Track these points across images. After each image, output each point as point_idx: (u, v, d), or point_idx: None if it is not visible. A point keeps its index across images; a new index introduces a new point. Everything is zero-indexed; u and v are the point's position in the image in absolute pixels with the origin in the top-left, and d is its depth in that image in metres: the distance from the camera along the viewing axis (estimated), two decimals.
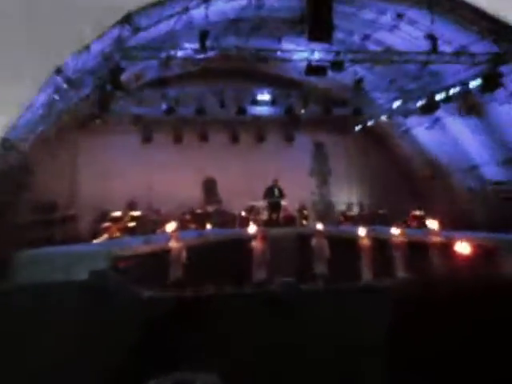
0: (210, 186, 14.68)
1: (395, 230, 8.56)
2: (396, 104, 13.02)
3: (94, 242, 10.97)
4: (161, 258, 7.72)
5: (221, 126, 14.58)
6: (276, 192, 11.68)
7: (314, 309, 3.99)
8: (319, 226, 9.36)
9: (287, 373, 3.43)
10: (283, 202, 12.02)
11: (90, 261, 6.11)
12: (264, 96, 13.62)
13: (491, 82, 9.66)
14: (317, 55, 10.13)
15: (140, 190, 13.42)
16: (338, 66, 9.86)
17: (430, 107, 11.62)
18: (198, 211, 13.79)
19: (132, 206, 13.47)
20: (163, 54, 9.89)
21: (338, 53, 10.02)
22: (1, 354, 3.45)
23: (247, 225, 10.38)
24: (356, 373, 3.21)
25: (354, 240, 8.75)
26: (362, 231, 8.79)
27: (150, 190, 13.37)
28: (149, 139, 14.47)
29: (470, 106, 11.15)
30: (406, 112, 13.11)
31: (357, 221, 13.58)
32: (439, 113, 12.05)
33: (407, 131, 14.45)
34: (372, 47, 11.41)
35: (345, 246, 8.94)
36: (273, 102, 13.68)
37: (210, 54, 10.01)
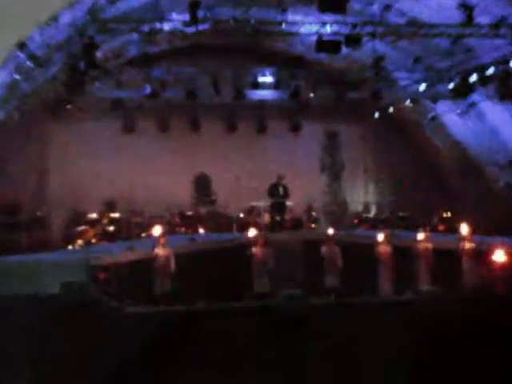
0: (202, 184, 14.69)
1: (420, 236, 8.56)
2: (423, 86, 12.99)
3: (67, 248, 10.98)
4: (145, 267, 7.74)
5: (215, 113, 14.59)
6: (280, 190, 11.69)
7: (325, 326, 4.00)
8: (330, 231, 9.38)
9: None
10: (288, 203, 12.04)
11: (61, 271, 6.13)
12: (266, 77, 13.61)
13: None
14: (329, 28, 10.12)
15: (120, 188, 13.45)
16: (353, 41, 9.86)
17: (464, 90, 11.61)
18: (189, 213, 13.80)
19: (111, 206, 13.49)
20: (146, 28, 9.89)
21: (354, 25, 10.01)
22: None
23: (246, 229, 10.40)
24: None
25: (371, 247, 8.71)
26: (380, 236, 8.75)
27: (132, 188, 13.40)
28: (130, 128, 14.47)
29: (510, 88, 11.14)
30: (434, 96, 13.11)
31: (375, 224, 13.61)
32: (474, 97, 12.04)
33: (436, 119, 14.44)
34: (394, 19, 11.39)
35: (360, 254, 8.92)
36: (276, 85, 13.67)
37: (203, 27, 10.00)
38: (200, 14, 9.41)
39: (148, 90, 12.89)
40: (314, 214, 14.26)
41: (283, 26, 10.53)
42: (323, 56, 11.81)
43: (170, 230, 11.41)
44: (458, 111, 13.09)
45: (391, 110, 14.52)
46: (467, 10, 9.45)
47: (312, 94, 13.63)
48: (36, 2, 7.50)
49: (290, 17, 10.97)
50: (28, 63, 9.01)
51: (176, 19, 10.00)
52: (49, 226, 13.03)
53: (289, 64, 13.96)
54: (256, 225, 11.55)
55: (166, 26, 9.98)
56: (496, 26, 9.84)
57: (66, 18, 8.37)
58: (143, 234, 11.93)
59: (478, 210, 12.17)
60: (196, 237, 10.81)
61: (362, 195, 15.79)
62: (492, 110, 12.44)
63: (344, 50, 10.15)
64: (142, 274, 7.68)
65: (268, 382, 3.53)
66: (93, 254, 7.74)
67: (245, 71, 13.45)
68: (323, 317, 4.04)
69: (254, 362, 3.63)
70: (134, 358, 3.75)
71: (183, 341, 3.87)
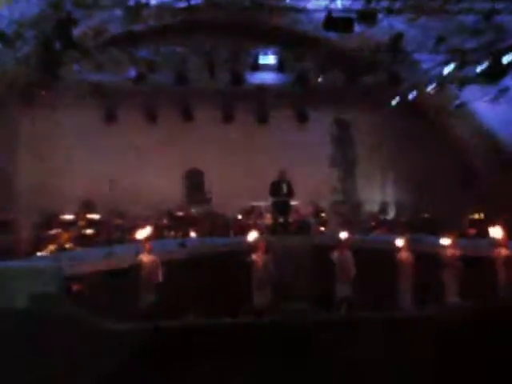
0: (194, 181, 14.71)
1: (445, 241, 8.57)
2: (448, 69, 12.97)
3: (37, 255, 10.96)
4: (128, 276, 7.75)
5: (209, 100, 14.58)
6: (283, 188, 11.67)
7: (335, 345, 3.99)
8: (342, 235, 9.39)
9: None
10: (293, 202, 12.04)
11: (30, 281, 6.12)
12: (268, 58, 13.60)
13: None
14: (339, 3, 10.11)
15: (100, 186, 13.38)
16: (368, 17, 9.84)
17: (495, 73, 11.60)
18: (179, 214, 13.83)
19: (89, 206, 13.50)
20: (131, 1, 9.88)
21: (368, 0, 10.00)
22: None
23: (245, 232, 10.41)
24: None
25: (389, 253, 8.77)
26: (400, 242, 8.81)
27: (113, 185, 13.37)
28: (112, 116, 14.48)
29: None
30: (461, 80, 13.08)
31: (393, 227, 13.60)
32: (508, 81, 12.02)
33: (463, 106, 14.42)
34: None
35: (376, 262, 8.94)
36: (280, 67, 13.66)
37: (195, 1, 9.98)
38: None
39: (133, 73, 12.89)
40: (323, 215, 14.25)
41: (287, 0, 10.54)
42: (333, 34, 11.77)
43: (156, 234, 11.38)
44: (489, 97, 13.05)
45: (412, 96, 14.49)
46: None
47: (320, 78, 13.60)
48: None
49: None
50: None
51: None
52: (16, 229, 13.00)
53: (294, 43, 13.95)
54: (256, 227, 11.55)
55: (154, 0, 9.98)
56: None
57: None
58: (126, 239, 11.91)
59: None
60: (187, 241, 10.82)
61: (378, 194, 15.77)
62: None
63: (357, 27, 10.12)
64: (123, 285, 7.67)
65: None
66: (67, 261, 7.73)
67: (243, 51, 13.43)
68: (331, 334, 4.02)
69: None
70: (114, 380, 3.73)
71: (171, 361, 3.85)
